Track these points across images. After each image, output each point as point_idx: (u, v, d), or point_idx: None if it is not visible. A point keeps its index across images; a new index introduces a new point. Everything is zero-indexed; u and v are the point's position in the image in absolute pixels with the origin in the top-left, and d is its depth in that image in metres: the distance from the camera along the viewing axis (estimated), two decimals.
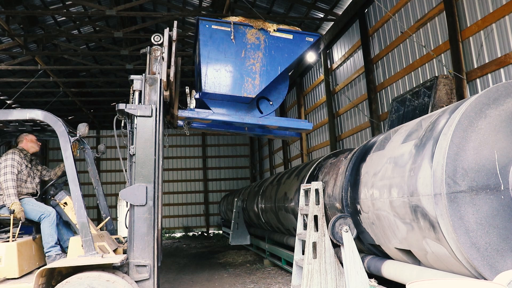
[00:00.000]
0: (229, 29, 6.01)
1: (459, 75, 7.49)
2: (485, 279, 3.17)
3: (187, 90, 6.05)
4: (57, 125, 4.76)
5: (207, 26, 5.98)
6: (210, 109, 6.15)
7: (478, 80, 7.37)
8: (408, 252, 4.17)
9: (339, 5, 12.59)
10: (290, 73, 6.69)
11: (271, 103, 6.39)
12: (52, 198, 5.32)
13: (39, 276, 4.28)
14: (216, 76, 5.95)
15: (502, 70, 6.85)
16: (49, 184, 5.48)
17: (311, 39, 6.30)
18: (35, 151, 5.53)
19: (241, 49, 6.03)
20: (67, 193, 5.25)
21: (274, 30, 6.16)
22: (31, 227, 5.22)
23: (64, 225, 5.35)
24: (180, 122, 6.32)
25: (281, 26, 6.27)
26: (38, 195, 5.42)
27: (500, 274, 2.93)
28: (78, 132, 5.10)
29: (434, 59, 8.48)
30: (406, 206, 3.82)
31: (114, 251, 5.03)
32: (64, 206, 5.27)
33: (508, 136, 3.37)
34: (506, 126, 3.39)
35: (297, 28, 6.41)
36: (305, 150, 16.68)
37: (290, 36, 6.21)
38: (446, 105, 6.87)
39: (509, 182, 3.27)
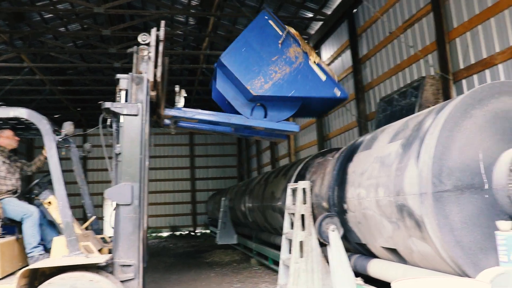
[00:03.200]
0: (280, 34, 6.08)
1: (445, 76, 7.55)
2: (468, 277, 3.20)
3: (177, 89, 5.98)
4: (42, 123, 4.69)
5: (266, 17, 6.12)
6: (221, 79, 6.16)
7: (464, 80, 7.45)
8: (394, 251, 4.19)
9: (328, 5, 12.62)
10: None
11: (265, 116, 6.32)
12: (36, 197, 5.23)
13: (21, 277, 4.19)
14: (238, 54, 5.96)
15: (487, 71, 6.93)
16: (34, 183, 5.37)
17: (338, 93, 6.21)
18: (13, 148, 5.42)
19: (276, 54, 6.05)
20: (52, 192, 5.16)
21: (314, 62, 6.17)
22: (14, 227, 5.13)
23: (49, 224, 5.27)
24: (167, 121, 6.26)
25: (322, 63, 6.25)
26: (19, 192, 5.33)
27: (483, 272, 2.96)
28: (63, 130, 5.03)
29: (421, 60, 8.54)
30: (393, 205, 3.84)
31: (99, 251, 4.97)
32: (48, 205, 5.18)
33: (493, 136, 3.40)
34: (491, 126, 3.42)
35: (335, 76, 6.36)
36: (292, 149, 16.71)
37: (323, 77, 6.17)
38: (433, 105, 6.91)
39: (493, 182, 3.30)
